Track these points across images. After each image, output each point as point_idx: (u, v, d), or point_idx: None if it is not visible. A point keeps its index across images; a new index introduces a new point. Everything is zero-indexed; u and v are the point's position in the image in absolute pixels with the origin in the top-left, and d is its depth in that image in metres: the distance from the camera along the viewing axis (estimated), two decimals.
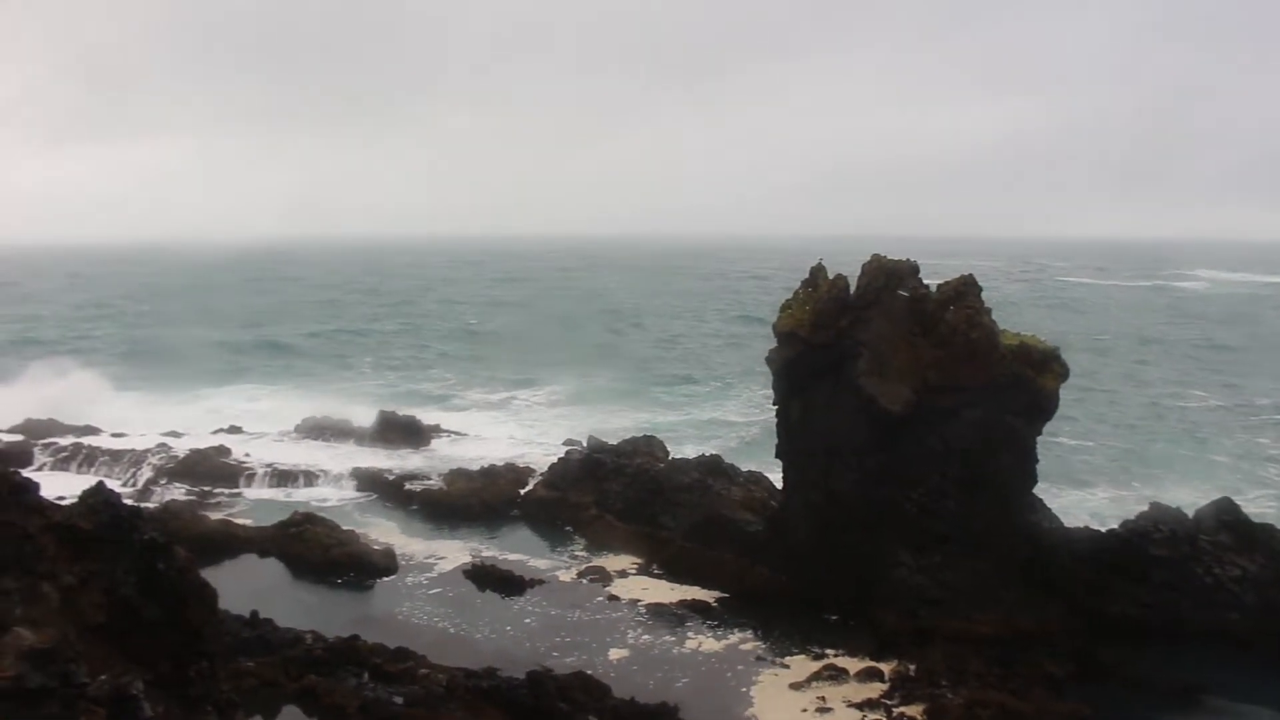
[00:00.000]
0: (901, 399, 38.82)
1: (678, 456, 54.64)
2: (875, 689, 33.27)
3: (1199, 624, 36.65)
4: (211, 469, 57.69)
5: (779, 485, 45.11)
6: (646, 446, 56.31)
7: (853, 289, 41.68)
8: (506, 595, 41.37)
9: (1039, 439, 39.97)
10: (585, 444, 57.51)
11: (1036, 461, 39.77)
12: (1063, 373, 39.69)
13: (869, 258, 42.18)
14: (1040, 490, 40.63)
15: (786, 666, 35.08)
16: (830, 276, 42.78)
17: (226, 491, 55.36)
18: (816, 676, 33.97)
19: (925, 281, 41.55)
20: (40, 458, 60.15)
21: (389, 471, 57.61)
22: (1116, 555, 38.24)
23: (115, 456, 59.69)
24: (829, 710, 31.90)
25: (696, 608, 40.11)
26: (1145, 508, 40.48)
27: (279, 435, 66.66)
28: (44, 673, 15.73)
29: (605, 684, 31.83)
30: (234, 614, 33.39)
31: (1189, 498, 45.60)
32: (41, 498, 19.00)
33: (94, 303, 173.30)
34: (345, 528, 46.66)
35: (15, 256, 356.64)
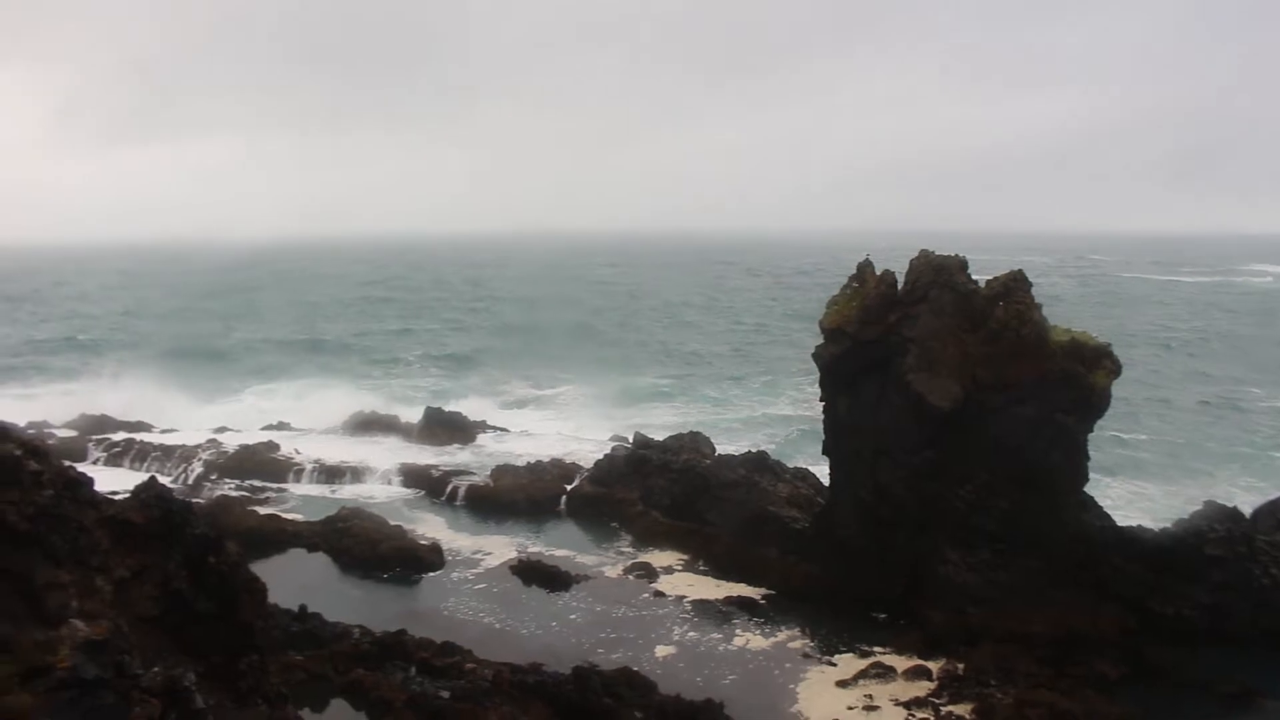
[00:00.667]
0: (950, 395, 38.40)
1: (724, 453, 54.50)
2: (923, 687, 32.98)
3: (1256, 626, 35.95)
4: (260, 465, 58.38)
5: (825, 482, 44.84)
6: (692, 443, 56.20)
7: (900, 285, 41.34)
8: (552, 591, 41.44)
9: (1091, 435, 39.39)
10: (631, 440, 57.48)
11: (1088, 459, 39.16)
12: (1115, 369, 39.01)
13: (916, 253, 41.79)
14: (1092, 485, 40.05)
15: (833, 664, 34.86)
16: (878, 272, 42.46)
17: (275, 487, 55.99)
18: (863, 674, 33.73)
19: (974, 277, 41.08)
20: (94, 453, 61.31)
21: (436, 467, 57.94)
22: (1171, 555, 37.54)
23: (167, 452, 60.58)
24: (876, 708, 31.66)
25: (743, 604, 39.98)
26: (1200, 506, 39.73)
27: (326, 432, 67.26)
28: (98, 664, 15.90)
29: (651, 680, 31.80)
30: (283, 608, 33.79)
31: (1246, 497, 44.69)
32: (95, 492, 19.22)
33: (144, 301, 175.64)
34: (392, 523, 47.05)
35: (68, 256, 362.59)
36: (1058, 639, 35.54)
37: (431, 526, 49.22)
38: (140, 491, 20.10)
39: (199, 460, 58.97)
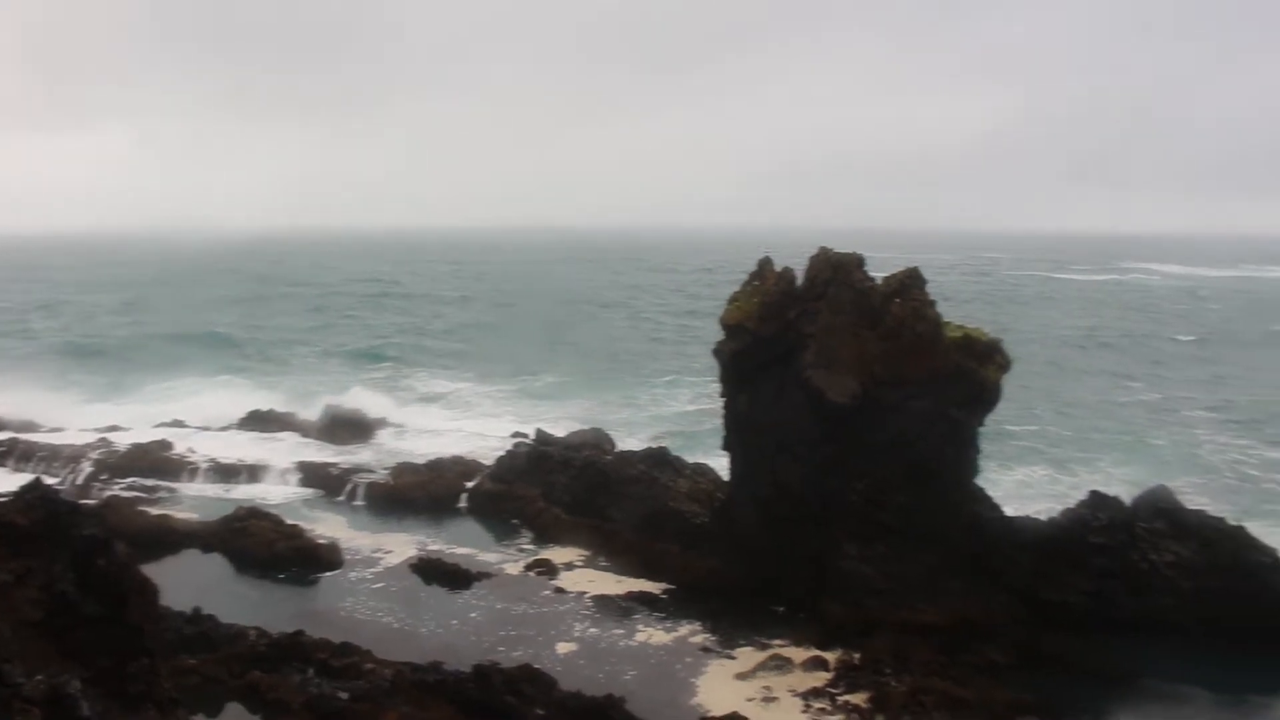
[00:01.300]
0: (848, 391, 39.06)
1: (624, 449, 54.71)
2: (820, 678, 33.59)
3: (1136, 610, 37.30)
4: (153, 464, 56.91)
5: (725, 477, 45.29)
6: (593, 439, 56.38)
7: (799, 282, 41.95)
8: (453, 589, 41.24)
9: (982, 429, 40.45)
10: (532, 437, 57.39)
11: (979, 452, 40.26)
12: (1005, 364, 40.15)
13: (816, 250, 42.45)
14: (983, 477, 41.18)
15: (733, 657, 35.29)
16: (778, 269, 43.02)
17: (168, 487, 54.64)
18: (762, 666, 34.24)
19: (873, 274, 41.83)
20: None
21: (335, 465, 57.19)
22: (1057, 544, 38.81)
23: (54, 452, 58.65)
24: (774, 699, 32.18)
25: (643, 600, 40.25)
26: (1084, 495, 41.08)
27: (222, 429, 65.83)
28: None
29: (552, 677, 31.81)
30: (176, 610, 33.00)
31: (1126, 486, 46.23)
32: None
33: (39, 295, 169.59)
34: (290, 522, 46.25)
35: None
36: (952, 628, 36.43)
37: (330, 525, 48.54)
38: (24, 492, 19.60)
39: (88, 460, 57.16)
